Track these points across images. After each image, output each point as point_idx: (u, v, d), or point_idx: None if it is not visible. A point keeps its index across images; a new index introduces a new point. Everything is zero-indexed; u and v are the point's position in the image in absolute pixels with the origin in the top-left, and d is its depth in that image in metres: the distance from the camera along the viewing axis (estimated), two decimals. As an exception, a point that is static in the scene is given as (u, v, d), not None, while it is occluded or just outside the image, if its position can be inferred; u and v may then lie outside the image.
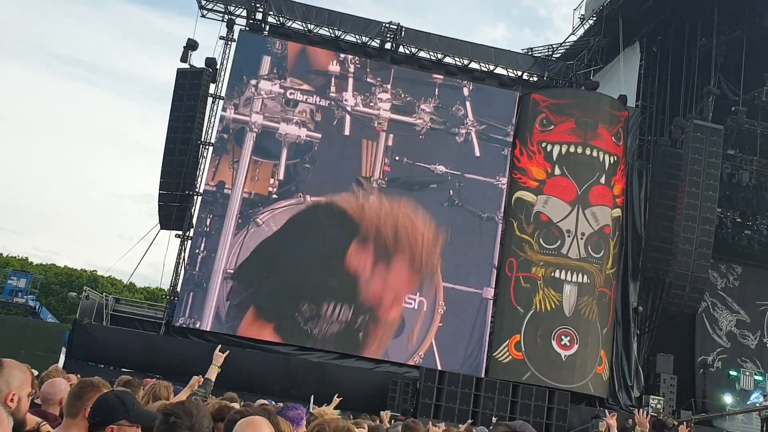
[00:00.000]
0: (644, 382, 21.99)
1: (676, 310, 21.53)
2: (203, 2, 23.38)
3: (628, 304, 22.29)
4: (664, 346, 22.61)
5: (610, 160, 22.18)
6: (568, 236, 21.23)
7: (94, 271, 56.78)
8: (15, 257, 58.23)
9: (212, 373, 5.97)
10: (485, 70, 24.30)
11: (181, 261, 21.83)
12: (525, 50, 25.85)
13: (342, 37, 23.66)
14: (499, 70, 24.46)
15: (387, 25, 23.79)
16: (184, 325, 20.22)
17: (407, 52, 24.12)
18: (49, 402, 4.09)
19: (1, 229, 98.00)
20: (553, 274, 21.02)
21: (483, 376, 20.09)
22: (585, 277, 21.12)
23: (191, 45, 22.74)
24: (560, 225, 21.29)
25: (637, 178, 23.38)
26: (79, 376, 8.84)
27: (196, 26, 23.20)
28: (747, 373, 23.78)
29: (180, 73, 22.66)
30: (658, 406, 20.59)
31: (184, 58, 22.69)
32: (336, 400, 9.26)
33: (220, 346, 6.12)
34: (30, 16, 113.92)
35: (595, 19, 25.09)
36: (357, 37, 23.78)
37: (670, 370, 21.99)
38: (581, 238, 21.25)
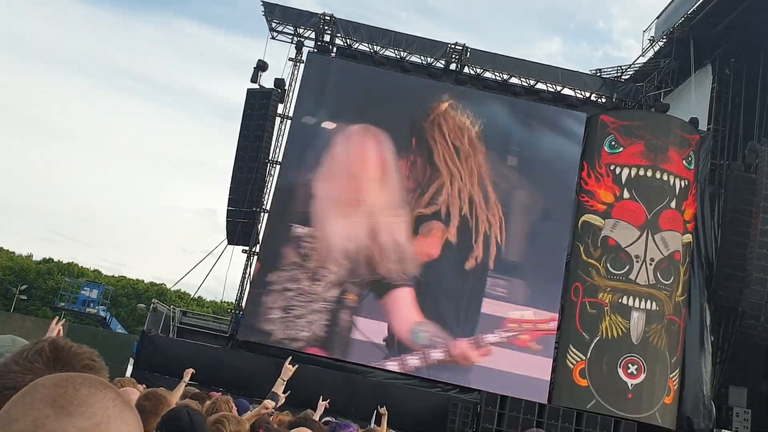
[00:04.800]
0: (716, 414, 21.12)
1: (750, 340, 20.67)
2: (273, 25, 24.00)
3: (699, 333, 21.52)
4: (740, 378, 21.67)
5: (680, 185, 21.59)
6: (637, 262, 20.69)
7: (163, 284, 58.34)
8: (88, 269, 60.37)
9: (279, 387, 5.91)
10: (552, 90, 24.08)
11: (246, 276, 22.26)
12: (593, 71, 25.54)
13: (407, 58, 23.87)
14: (566, 91, 24.19)
15: (452, 46, 23.88)
16: (249, 339, 20.54)
17: (472, 72, 24.13)
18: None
19: (73, 240, 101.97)
20: (620, 301, 20.49)
21: (546, 402, 19.68)
22: (654, 304, 20.52)
23: (261, 66, 23.35)
24: (628, 250, 20.78)
25: (709, 204, 22.67)
26: (145, 386, 9.10)
27: (266, 48, 23.78)
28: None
29: (250, 93, 23.28)
30: (731, 440, 19.76)
31: (254, 79, 23.31)
32: (383, 411, 9.13)
33: (290, 359, 6.07)
34: (104, 37, 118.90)
35: (665, 40, 24.63)
36: (422, 58, 23.96)
37: (744, 404, 21.04)
38: (650, 264, 20.68)
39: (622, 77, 25.59)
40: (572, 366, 20.39)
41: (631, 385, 19.92)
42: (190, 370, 6.23)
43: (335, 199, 21.58)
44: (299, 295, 20.77)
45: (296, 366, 5.88)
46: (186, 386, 9.48)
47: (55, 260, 61.46)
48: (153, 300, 25.91)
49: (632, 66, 25.93)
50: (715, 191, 23.03)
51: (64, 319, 5.40)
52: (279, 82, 23.49)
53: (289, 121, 23.09)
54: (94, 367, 1.44)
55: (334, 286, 20.74)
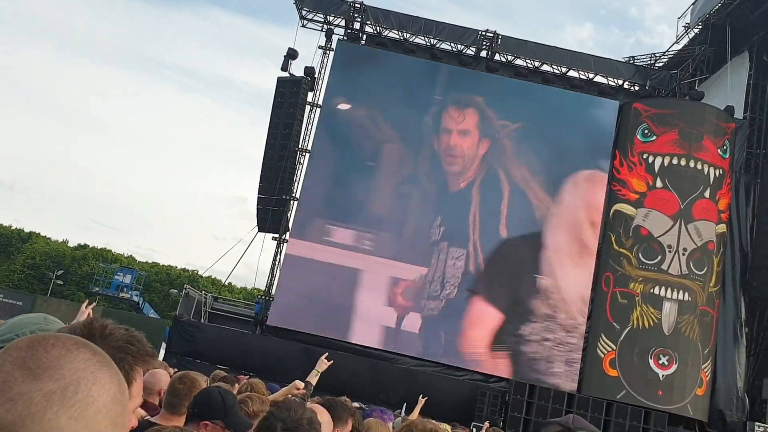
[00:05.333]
0: (749, 407, 20.80)
1: (785, 332, 20.29)
2: (303, 12, 24.02)
3: (733, 324, 21.18)
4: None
5: (715, 174, 21.20)
6: (669, 251, 20.40)
7: (195, 270, 59.08)
8: (122, 255, 61.40)
9: (313, 378, 6.04)
10: (584, 78, 23.76)
11: (276, 263, 22.46)
12: (626, 59, 25.13)
13: (437, 46, 23.73)
14: (599, 79, 23.85)
15: (483, 33, 23.67)
16: (279, 326, 20.74)
17: (503, 59, 23.91)
18: (149, 392, 4.25)
19: (106, 226, 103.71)
20: (652, 291, 20.25)
21: (576, 392, 19.57)
22: (686, 294, 20.23)
23: (291, 54, 23.42)
24: (661, 240, 20.49)
25: (744, 193, 22.24)
26: (176, 370, 9.27)
27: (296, 36, 23.83)
28: None
29: (280, 81, 23.38)
30: (764, 434, 19.46)
31: (284, 67, 23.39)
32: (421, 400, 9.20)
33: (327, 354, 6.16)
34: (137, 26, 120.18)
35: (701, 27, 24.12)
36: (452, 45, 23.80)
37: (778, 397, 20.72)
38: (683, 254, 20.39)
39: (656, 65, 25.14)
40: (602, 356, 20.23)
41: (662, 376, 19.71)
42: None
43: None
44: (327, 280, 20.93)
45: (332, 361, 5.95)
46: (216, 370, 9.62)
47: (90, 246, 62.66)
48: (185, 285, 26.28)
49: (666, 53, 25.46)
50: (750, 180, 22.58)
51: (95, 303, 5.50)
52: (309, 70, 23.54)
53: (318, 109, 23.15)
54: (128, 350, 1.45)
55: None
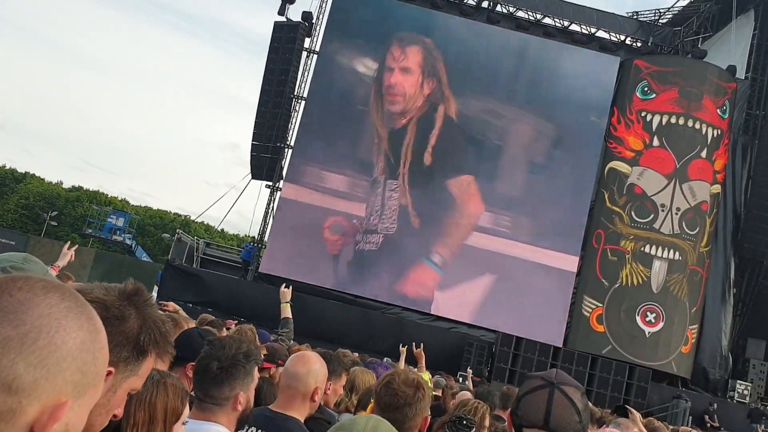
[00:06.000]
0: (732, 366, 21.15)
1: (773, 294, 20.49)
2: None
3: (722, 284, 21.36)
4: (759, 331, 21.59)
5: (713, 134, 21.08)
6: (662, 210, 20.43)
7: (188, 215, 59.13)
8: (116, 198, 61.32)
9: (286, 311, 5.97)
10: (586, 32, 23.38)
11: (270, 210, 22.41)
12: (630, 14, 24.70)
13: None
14: (601, 33, 23.48)
15: (486, -18, 23.16)
16: (270, 273, 20.82)
17: (504, 11, 23.48)
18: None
19: (100, 169, 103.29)
20: (642, 249, 20.35)
21: (561, 346, 19.83)
22: (677, 253, 20.34)
23: (289, -2, 22.92)
24: (654, 198, 20.49)
25: (741, 154, 22.16)
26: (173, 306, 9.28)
27: (294, -21, 23.26)
28: None
29: (277, 26, 22.94)
30: (745, 392, 19.82)
31: (281, 11, 22.93)
32: (403, 350, 9.25)
33: (284, 284, 6.11)
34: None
35: (708, -18, 23.65)
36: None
37: (761, 356, 21.04)
38: (676, 214, 20.42)
39: (660, 21, 24.73)
40: (590, 311, 20.44)
41: (649, 332, 19.95)
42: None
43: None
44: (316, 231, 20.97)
45: (290, 287, 5.92)
46: (204, 314, 9.66)
47: (84, 188, 62.49)
48: (177, 230, 26.27)
49: (671, 9, 25.02)
50: (748, 142, 22.48)
51: (76, 245, 5.45)
52: (306, 16, 23.08)
53: (315, 56, 22.79)
54: (158, 326, 1.38)
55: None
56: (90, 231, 28.46)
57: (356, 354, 10.05)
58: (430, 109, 21.65)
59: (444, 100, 21.63)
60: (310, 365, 2.84)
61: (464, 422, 3.12)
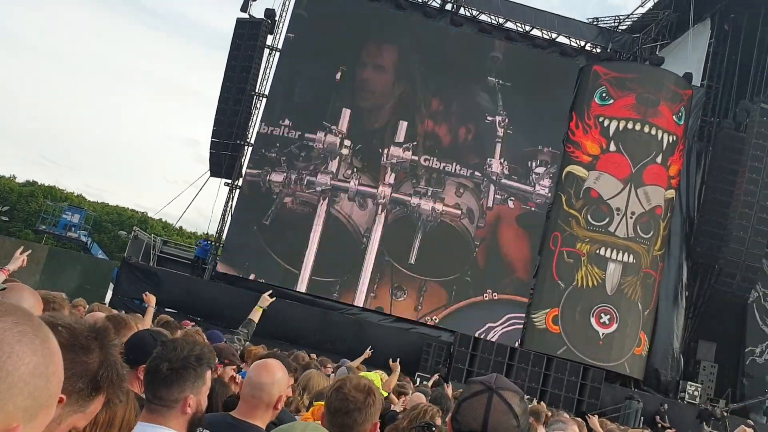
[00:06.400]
0: (683, 367, 21.63)
1: (724, 297, 21.01)
2: (266, -48, 23.24)
3: (675, 287, 21.83)
4: (710, 334, 22.12)
5: (668, 140, 21.53)
6: (618, 214, 20.80)
7: (144, 212, 58.21)
8: (72, 193, 60.02)
9: (255, 314, 6.01)
10: (547, 37, 23.68)
11: (228, 209, 22.18)
12: (590, 20, 25.09)
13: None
14: (562, 39, 23.80)
15: (449, -14, 23.29)
16: (228, 272, 20.62)
17: (468, 14, 23.63)
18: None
19: (55, 163, 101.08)
20: (598, 252, 20.69)
21: (518, 346, 20.04)
22: (631, 256, 20.74)
23: (252, -6, 22.70)
24: (610, 202, 20.86)
25: (696, 160, 22.68)
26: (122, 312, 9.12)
27: (257, -24, 23.06)
28: (790, 368, 23.13)
29: (239, 22, 22.71)
30: (695, 392, 20.28)
31: (244, 8, 22.71)
32: (367, 353, 9.29)
33: (270, 291, 6.17)
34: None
35: (666, -9, 24.14)
36: (418, -5, 23.37)
37: (711, 358, 21.56)
38: (631, 218, 20.81)
39: (619, 27, 25.17)
40: (545, 312, 20.69)
41: (603, 334, 20.29)
42: (153, 297, 6.25)
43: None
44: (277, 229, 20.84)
45: (274, 298, 5.94)
46: (162, 314, 9.53)
47: (38, 183, 61.00)
48: (134, 228, 25.84)
49: (630, 16, 25.48)
50: (702, 148, 23.01)
51: (30, 251, 5.30)
52: (269, 13, 22.90)
53: (278, 54, 22.63)
54: (118, 368, 1.39)
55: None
56: (44, 227, 27.78)
57: (314, 355, 10.02)
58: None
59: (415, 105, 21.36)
60: (275, 375, 2.85)
61: (432, 429, 3.17)
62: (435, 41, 22.19)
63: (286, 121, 21.42)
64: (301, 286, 20.41)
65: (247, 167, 21.73)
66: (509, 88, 20.93)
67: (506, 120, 19.97)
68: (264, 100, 22.38)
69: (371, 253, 18.73)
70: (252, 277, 20.44)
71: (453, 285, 20.00)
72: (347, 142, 19.97)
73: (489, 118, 20.40)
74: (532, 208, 20.67)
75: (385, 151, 19.52)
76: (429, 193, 17.52)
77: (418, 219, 18.90)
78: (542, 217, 20.86)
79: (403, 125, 19.84)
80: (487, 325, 20.12)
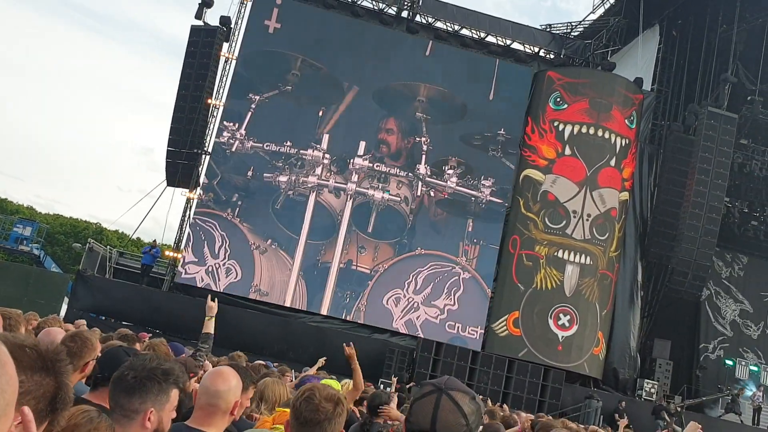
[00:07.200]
0: (640, 365, 22.08)
1: (677, 296, 21.53)
2: (220, -41, 23.08)
3: (631, 287, 22.30)
4: (665, 332, 22.66)
5: (621, 143, 22.02)
6: (574, 217, 21.18)
7: (98, 223, 57.07)
8: (23, 206, 58.54)
9: (209, 326, 5.93)
10: (502, 44, 24.02)
11: (186, 218, 21.90)
12: (543, 26, 25.55)
13: (359, 2, 23.38)
14: (516, 45, 24.17)
15: (405, -7, 23.46)
16: (183, 279, 20.35)
17: (423, 21, 23.84)
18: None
19: (1, 173, 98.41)
20: (556, 254, 21.02)
21: (480, 350, 20.21)
22: (588, 258, 21.12)
23: (206, 2, 22.50)
24: (567, 205, 21.22)
25: (648, 163, 23.24)
26: (76, 326, 8.89)
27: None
28: (743, 363, 23.84)
29: (194, 30, 22.47)
30: (652, 390, 20.72)
31: (198, 15, 22.48)
32: (321, 362, 9.29)
33: (210, 296, 6.08)
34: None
35: (616, -2, 24.72)
36: (374, 3, 23.51)
37: (667, 356, 22.07)
38: (587, 220, 21.20)
39: (572, 34, 25.68)
40: (506, 315, 20.92)
41: (562, 337, 20.60)
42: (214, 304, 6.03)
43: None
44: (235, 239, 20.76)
45: (215, 300, 5.88)
46: (120, 327, 9.33)
47: (-13, 196, 59.27)
48: (89, 240, 25.31)
49: (582, 23, 26.02)
50: (654, 151, 23.58)
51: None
52: (224, 20, 22.72)
53: (233, 61, 22.46)
54: (68, 391, 1.40)
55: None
56: (-6, 241, 26.99)
57: (276, 363, 9.95)
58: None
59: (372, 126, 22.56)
60: (230, 382, 2.86)
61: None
62: (387, 52, 22.61)
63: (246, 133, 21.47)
64: (299, 250, 21.17)
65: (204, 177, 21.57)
66: (430, 120, 22.78)
67: (428, 139, 22.56)
68: (221, 108, 22.17)
69: (344, 225, 21.71)
70: (212, 287, 20.23)
71: (396, 245, 21.84)
72: (327, 155, 22.11)
73: (417, 138, 22.58)
74: (445, 196, 22.31)
75: (351, 160, 22.12)
76: (380, 187, 22.11)
77: (373, 204, 21.99)
78: (452, 202, 22.28)
79: (362, 144, 22.32)
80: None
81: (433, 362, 18.98)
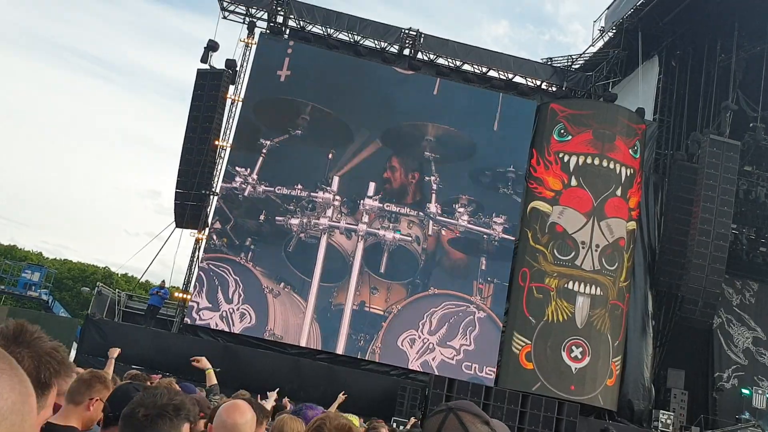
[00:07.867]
0: (655, 396, 21.80)
1: (688, 324, 21.37)
2: (225, 4, 23.56)
3: (642, 317, 22.14)
4: (678, 362, 22.41)
5: (626, 173, 22.09)
6: (583, 248, 21.14)
7: (107, 267, 57.15)
8: (31, 251, 58.75)
9: (211, 378, 6.05)
10: (504, 78, 24.29)
11: (195, 259, 21.95)
12: (544, 60, 25.86)
13: (361, 42, 23.75)
14: (518, 79, 24.44)
15: (406, 31, 23.85)
16: (196, 324, 20.33)
17: (425, 58, 24.17)
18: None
19: (9, 220, 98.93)
20: (566, 286, 20.93)
21: (493, 385, 20.01)
22: (598, 289, 21.02)
23: (212, 46, 22.89)
24: (575, 236, 21.21)
25: (653, 192, 23.27)
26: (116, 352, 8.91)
27: (217, 27, 23.33)
28: (759, 392, 23.49)
29: (200, 73, 22.81)
30: (668, 421, 20.42)
31: (204, 59, 22.83)
32: (341, 397, 9.23)
33: (193, 358, 6.25)
34: (50, 13, 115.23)
35: (614, 31, 25.10)
36: (376, 42, 23.87)
37: (681, 386, 21.80)
38: (596, 250, 21.16)
39: (573, 66, 25.99)
40: (519, 349, 20.76)
41: (575, 369, 20.40)
42: (117, 349, 6.22)
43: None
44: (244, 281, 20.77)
45: (203, 357, 6.01)
46: (130, 370, 9.32)
47: (-5, 243, 59.54)
48: (98, 283, 25.34)
49: (582, 56, 26.35)
50: (659, 180, 23.64)
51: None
52: (230, 63, 23.07)
53: (240, 104, 22.75)
54: (53, 356, 1.41)
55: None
56: (2, 287, 27.08)
57: (285, 399, 9.90)
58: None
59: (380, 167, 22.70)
60: (246, 415, 2.87)
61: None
62: (394, 92, 22.82)
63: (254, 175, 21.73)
64: (312, 292, 21.09)
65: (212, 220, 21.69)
66: (439, 159, 22.87)
67: (438, 178, 22.67)
68: (228, 150, 22.38)
69: (356, 267, 21.69)
70: (219, 327, 20.18)
71: (408, 285, 21.72)
72: (337, 197, 22.23)
73: (426, 178, 22.66)
74: (457, 234, 22.24)
75: (361, 201, 22.24)
76: (390, 227, 22.15)
77: (384, 244, 22.00)
78: (464, 240, 22.20)
79: (372, 185, 22.44)
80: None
81: (446, 399, 18.76)
